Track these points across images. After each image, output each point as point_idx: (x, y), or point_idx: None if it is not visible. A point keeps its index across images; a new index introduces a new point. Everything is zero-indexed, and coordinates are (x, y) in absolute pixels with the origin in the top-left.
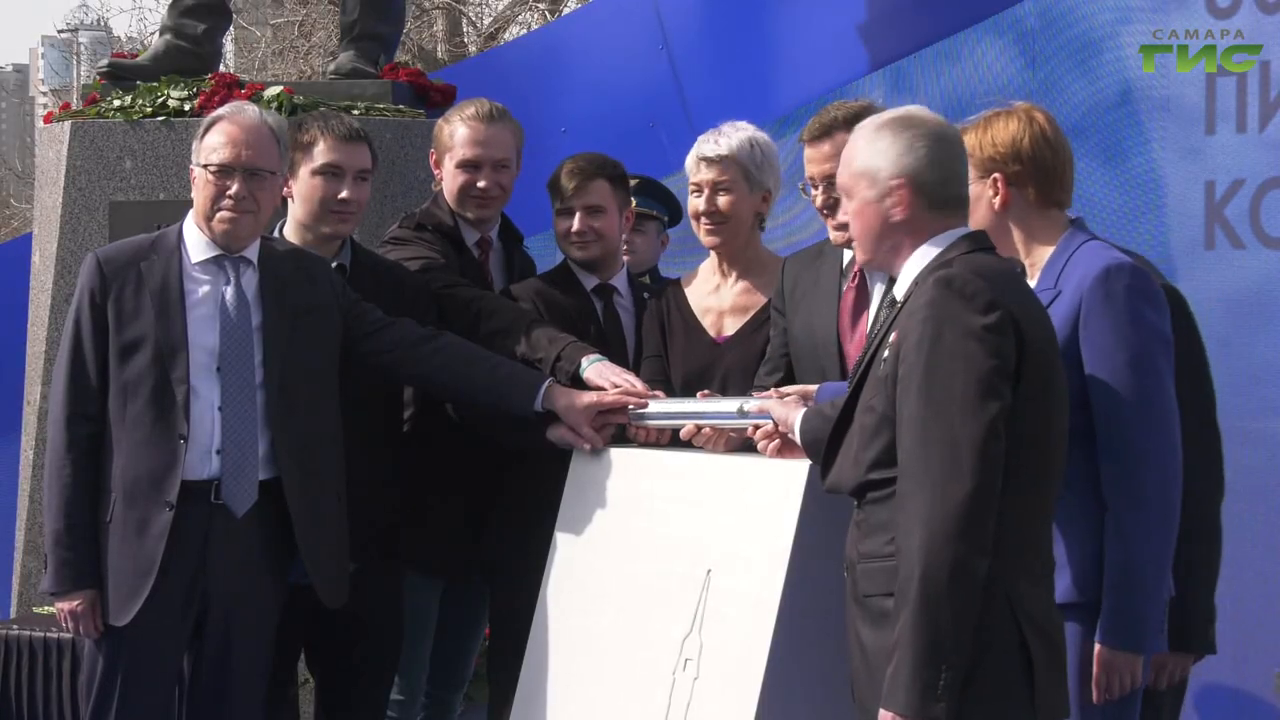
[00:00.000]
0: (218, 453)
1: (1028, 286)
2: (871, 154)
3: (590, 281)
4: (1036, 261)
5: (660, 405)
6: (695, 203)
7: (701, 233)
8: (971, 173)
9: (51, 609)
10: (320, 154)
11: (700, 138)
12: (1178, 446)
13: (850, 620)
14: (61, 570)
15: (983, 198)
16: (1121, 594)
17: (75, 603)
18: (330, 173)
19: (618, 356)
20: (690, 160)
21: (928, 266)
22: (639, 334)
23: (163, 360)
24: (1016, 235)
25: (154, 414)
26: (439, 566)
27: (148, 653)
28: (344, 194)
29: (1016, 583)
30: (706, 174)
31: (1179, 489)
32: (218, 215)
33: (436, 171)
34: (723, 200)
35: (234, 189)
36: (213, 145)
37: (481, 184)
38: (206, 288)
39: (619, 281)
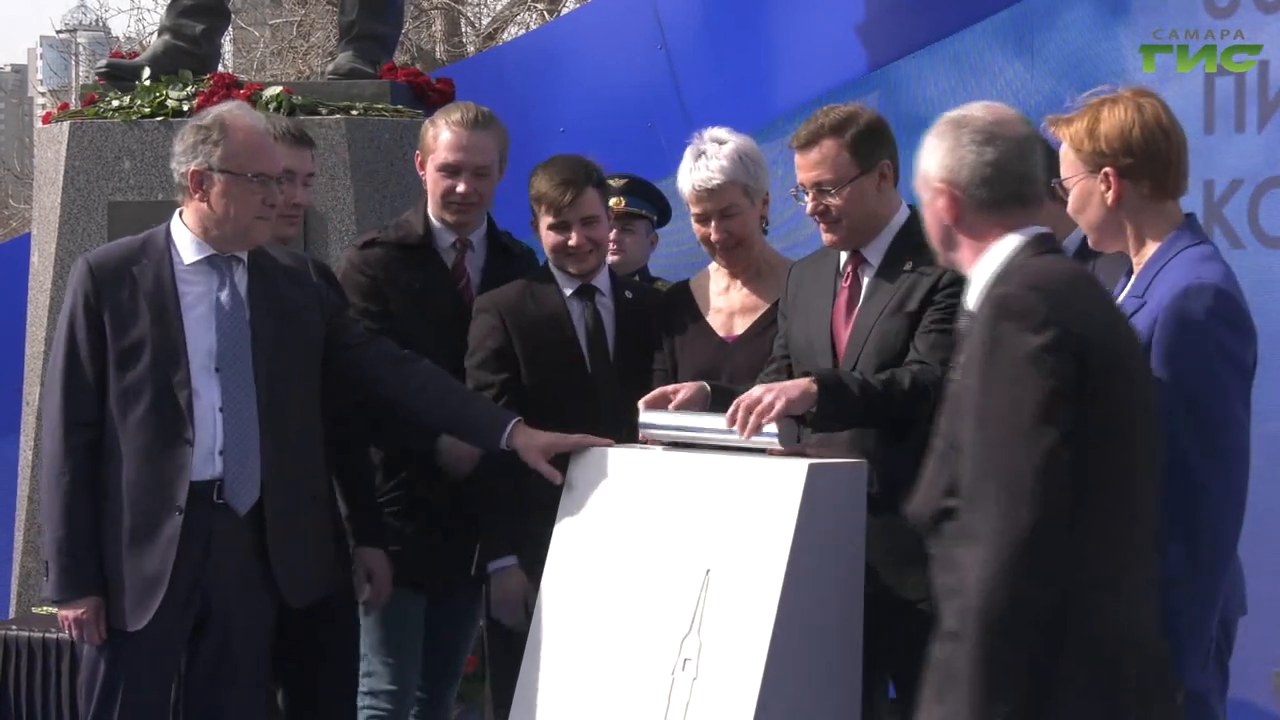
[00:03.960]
0: (220, 453)
1: (1098, 293)
2: (925, 156)
3: (572, 284)
4: (1143, 260)
5: (671, 419)
6: (703, 230)
7: (715, 256)
8: (1079, 167)
9: (51, 609)
10: None
11: (689, 160)
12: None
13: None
14: (64, 578)
15: (1094, 194)
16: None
17: (80, 610)
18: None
19: (599, 356)
20: (685, 189)
21: (991, 278)
22: (619, 332)
23: (162, 364)
24: (1129, 232)
25: (157, 419)
26: (425, 583)
27: (151, 655)
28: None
29: (1098, 611)
30: (709, 204)
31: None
32: (260, 222)
33: (421, 173)
34: (732, 225)
35: (279, 197)
36: (261, 151)
37: (460, 189)
38: (200, 289)
39: (601, 281)
